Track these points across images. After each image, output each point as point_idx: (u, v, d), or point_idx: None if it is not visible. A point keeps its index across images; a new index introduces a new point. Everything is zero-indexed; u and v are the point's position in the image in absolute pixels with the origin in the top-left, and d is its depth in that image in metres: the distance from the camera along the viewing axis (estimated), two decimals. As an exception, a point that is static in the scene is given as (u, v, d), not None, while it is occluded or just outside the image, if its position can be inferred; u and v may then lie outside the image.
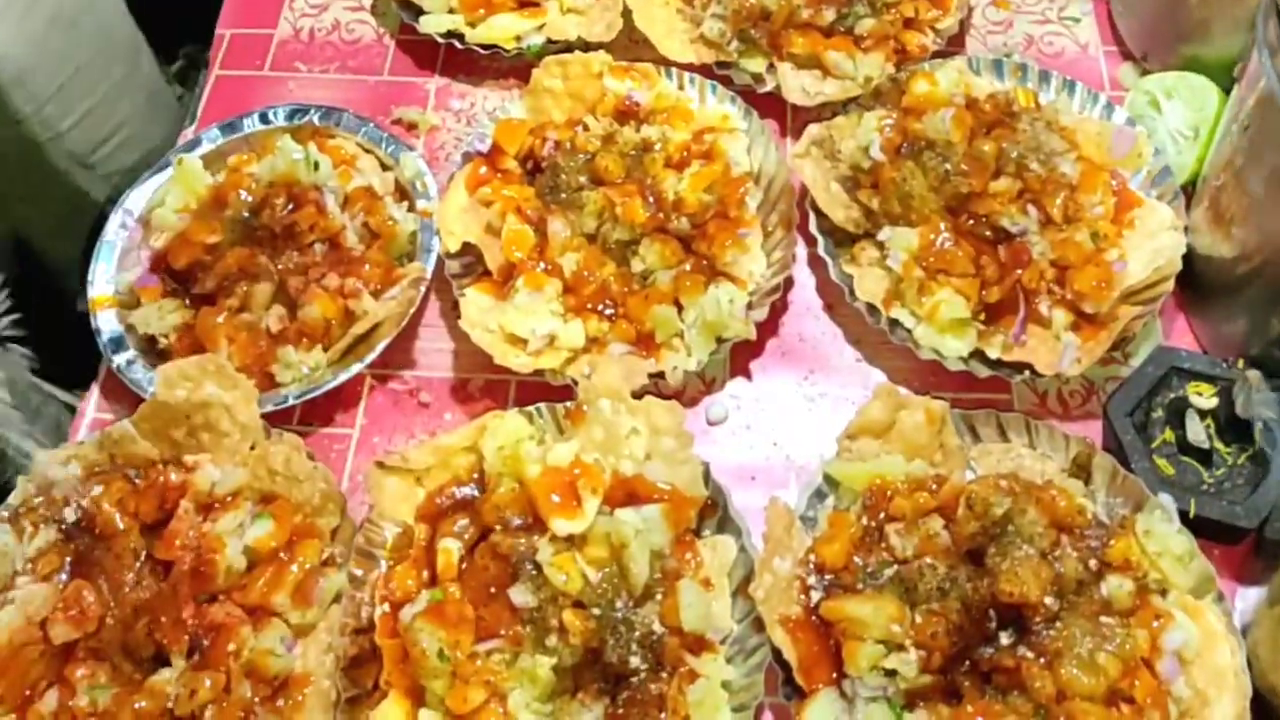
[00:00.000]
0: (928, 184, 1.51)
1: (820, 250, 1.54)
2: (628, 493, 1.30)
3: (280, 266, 1.53)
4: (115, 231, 1.61)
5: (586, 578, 1.23)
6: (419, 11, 1.82)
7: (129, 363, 1.50)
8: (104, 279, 1.58)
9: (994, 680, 1.19)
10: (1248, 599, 1.32)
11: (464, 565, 1.28)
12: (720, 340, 1.48)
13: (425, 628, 1.21)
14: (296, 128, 1.70)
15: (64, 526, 1.34)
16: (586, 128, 1.63)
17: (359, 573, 1.31)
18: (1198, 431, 1.39)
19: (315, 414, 1.53)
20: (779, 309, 1.59)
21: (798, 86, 1.70)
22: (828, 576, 1.28)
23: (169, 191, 1.63)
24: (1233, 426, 1.39)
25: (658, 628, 1.24)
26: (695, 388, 1.54)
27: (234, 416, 1.39)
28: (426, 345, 1.59)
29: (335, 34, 1.94)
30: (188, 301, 1.54)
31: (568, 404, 1.39)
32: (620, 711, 1.20)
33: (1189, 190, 1.58)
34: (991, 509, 1.23)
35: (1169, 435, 1.41)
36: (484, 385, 1.55)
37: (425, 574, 1.29)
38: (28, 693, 1.24)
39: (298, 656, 1.28)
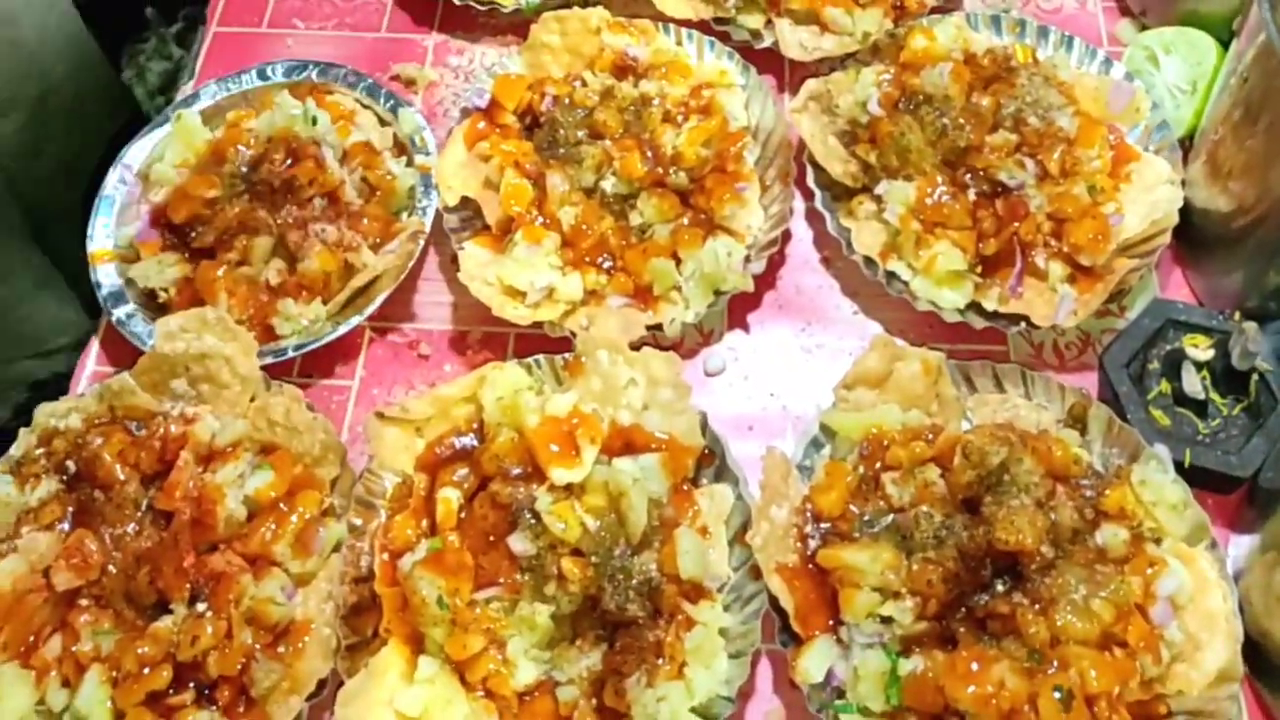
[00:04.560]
0: (925, 138, 1.51)
1: (818, 204, 1.55)
2: (625, 442, 1.31)
3: (279, 220, 1.52)
4: (114, 186, 1.61)
5: (585, 526, 1.23)
6: (417, -32, 1.82)
7: (129, 316, 1.51)
8: (103, 233, 1.58)
9: (989, 626, 1.20)
10: (1240, 546, 1.33)
11: (463, 514, 1.29)
12: (718, 293, 1.48)
13: (425, 576, 1.22)
14: (295, 83, 1.70)
15: (65, 477, 1.35)
16: (585, 83, 1.63)
17: (359, 522, 1.32)
18: (1193, 383, 1.39)
19: (315, 366, 1.54)
20: (777, 262, 1.59)
21: (795, 42, 1.69)
22: (824, 525, 1.29)
23: (168, 146, 1.63)
24: (1228, 378, 1.39)
25: (655, 575, 1.25)
26: (693, 339, 1.54)
27: (234, 368, 1.40)
28: (425, 298, 1.60)
29: (333, -9, 1.93)
30: (187, 255, 1.54)
31: (566, 355, 1.40)
32: (618, 658, 1.21)
33: (1186, 145, 1.58)
34: (988, 458, 1.24)
35: (1165, 387, 1.41)
36: (483, 337, 1.55)
37: (425, 523, 1.30)
38: (32, 638, 1.25)
39: (298, 604, 1.29)
